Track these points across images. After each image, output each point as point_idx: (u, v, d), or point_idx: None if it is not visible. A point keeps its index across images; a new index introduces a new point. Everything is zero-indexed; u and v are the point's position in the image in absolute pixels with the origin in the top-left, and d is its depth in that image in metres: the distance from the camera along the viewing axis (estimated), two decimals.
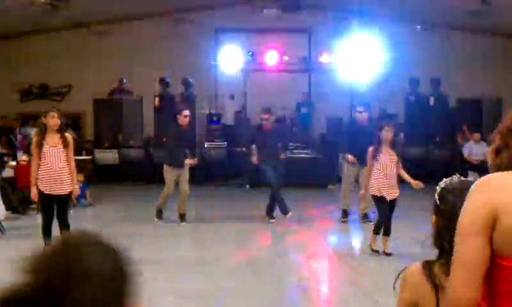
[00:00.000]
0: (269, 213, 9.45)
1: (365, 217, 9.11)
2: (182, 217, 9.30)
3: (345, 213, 9.41)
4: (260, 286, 6.08)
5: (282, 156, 9.63)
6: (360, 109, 9.36)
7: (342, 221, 9.33)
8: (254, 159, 9.55)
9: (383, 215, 7.02)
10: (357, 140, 9.17)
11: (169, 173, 9.05)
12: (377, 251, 7.09)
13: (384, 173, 7.03)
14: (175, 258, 7.33)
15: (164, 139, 10.40)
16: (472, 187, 1.68)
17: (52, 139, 6.70)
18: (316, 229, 9.05)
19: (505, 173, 1.65)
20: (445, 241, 1.83)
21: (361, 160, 9.06)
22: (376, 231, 7.13)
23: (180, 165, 9.00)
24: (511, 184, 1.62)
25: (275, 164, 9.36)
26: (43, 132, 6.72)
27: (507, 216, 1.57)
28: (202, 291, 5.87)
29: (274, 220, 9.36)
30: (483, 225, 1.59)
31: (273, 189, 9.36)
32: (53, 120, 6.68)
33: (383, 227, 7.02)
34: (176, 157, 9.04)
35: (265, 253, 7.73)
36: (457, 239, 1.64)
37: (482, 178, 1.70)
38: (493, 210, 1.58)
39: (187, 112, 9.22)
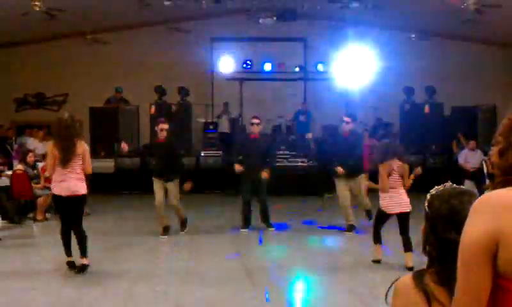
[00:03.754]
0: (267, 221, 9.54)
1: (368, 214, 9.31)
2: (165, 230, 8.97)
3: (350, 227, 9.27)
4: (254, 295, 6.08)
5: (264, 174, 9.14)
6: (345, 119, 9.13)
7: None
8: (238, 169, 9.27)
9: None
10: (339, 150, 9.14)
11: (154, 183, 8.88)
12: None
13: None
14: (171, 268, 7.32)
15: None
16: (473, 206, 1.60)
17: None
18: (311, 238, 9.05)
19: (506, 189, 1.58)
20: (431, 247, 1.84)
21: (346, 171, 8.98)
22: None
23: (162, 177, 8.77)
24: None
25: (257, 176, 9.14)
26: None
27: (511, 240, 1.51)
28: (196, 302, 5.87)
29: (272, 228, 9.44)
30: (486, 252, 1.53)
31: (261, 201, 9.38)
32: None
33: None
34: (158, 169, 8.87)
35: (260, 262, 7.71)
36: (460, 267, 1.59)
37: (482, 196, 1.62)
38: (496, 234, 1.52)
39: (164, 126, 8.79)
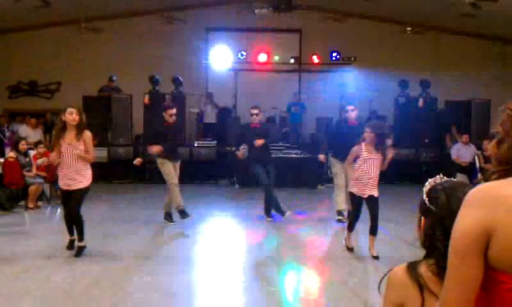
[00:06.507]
0: (267, 212, 9.58)
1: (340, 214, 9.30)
2: (182, 213, 8.87)
3: (339, 213, 9.45)
4: (247, 285, 6.09)
5: (258, 142, 9.38)
6: (350, 108, 9.27)
7: (338, 220, 9.37)
8: (239, 154, 9.54)
9: (353, 214, 7.17)
10: (347, 139, 9.21)
11: (164, 166, 8.98)
12: (351, 249, 7.25)
13: (363, 171, 7.01)
14: (163, 256, 7.32)
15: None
16: (465, 198, 1.60)
17: (69, 136, 6.90)
18: (304, 230, 9.06)
19: (499, 182, 1.57)
20: (438, 242, 1.82)
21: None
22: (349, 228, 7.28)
23: (173, 157, 9.02)
24: (507, 196, 1.52)
25: (265, 162, 9.41)
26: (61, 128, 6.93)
27: (503, 233, 1.50)
28: (188, 288, 5.87)
29: (270, 219, 9.50)
30: (478, 243, 1.53)
31: (265, 189, 9.41)
32: (71, 116, 6.87)
33: (370, 226, 7.03)
34: (169, 150, 8.99)
35: (252, 253, 7.71)
36: (451, 257, 1.58)
37: (475, 188, 1.60)
38: (488, 226, 1.51)
39: (174, 111, 9.13)
